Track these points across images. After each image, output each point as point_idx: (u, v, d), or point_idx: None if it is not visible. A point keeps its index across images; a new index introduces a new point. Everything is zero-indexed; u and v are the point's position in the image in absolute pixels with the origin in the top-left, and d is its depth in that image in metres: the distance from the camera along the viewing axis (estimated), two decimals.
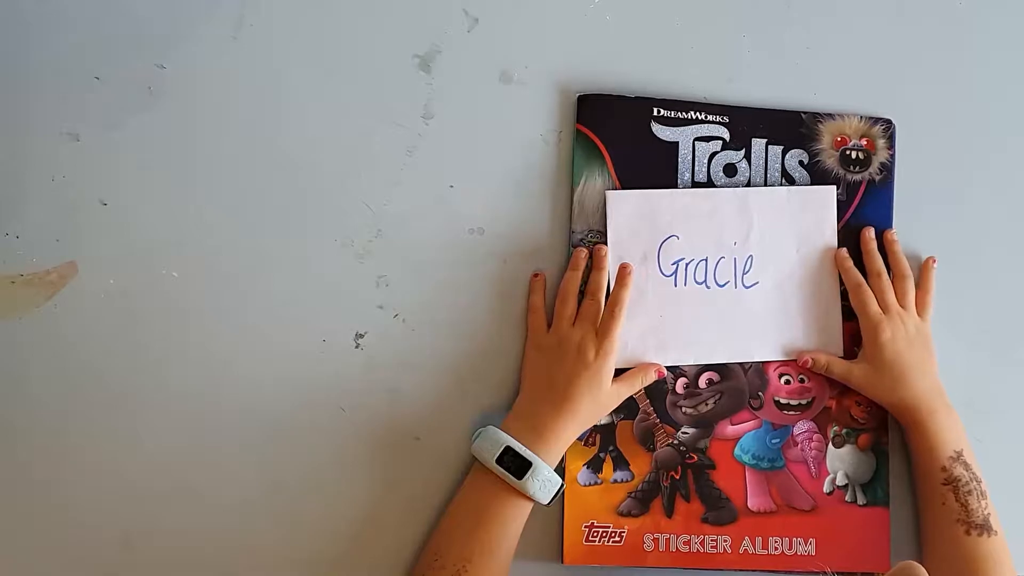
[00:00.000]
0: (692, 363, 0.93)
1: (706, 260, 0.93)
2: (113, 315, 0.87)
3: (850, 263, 0.93)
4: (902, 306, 0.92)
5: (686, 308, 0.93)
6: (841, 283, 0.94)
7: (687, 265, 0.93)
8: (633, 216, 0.92)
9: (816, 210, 0.94)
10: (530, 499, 0.85)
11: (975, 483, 0.89)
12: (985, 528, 0.87)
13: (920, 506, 0.92)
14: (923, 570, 0.66)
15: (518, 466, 0.85)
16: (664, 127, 0.93)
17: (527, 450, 0.85)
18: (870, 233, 0.94)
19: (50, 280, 0.87)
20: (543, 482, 0.85)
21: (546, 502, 0.86)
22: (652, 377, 0.91)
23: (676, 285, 0.93)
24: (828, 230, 0.94)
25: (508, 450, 0.85)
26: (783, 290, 0.94)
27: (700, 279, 0.93)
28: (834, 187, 0.94)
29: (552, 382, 0.88)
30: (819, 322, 0.94)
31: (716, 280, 0.93)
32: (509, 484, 0.85)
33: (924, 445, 0.90)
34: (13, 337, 0.87)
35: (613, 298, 0.90)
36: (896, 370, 0.91)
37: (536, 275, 0.92)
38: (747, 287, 0.93)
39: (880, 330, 0.91)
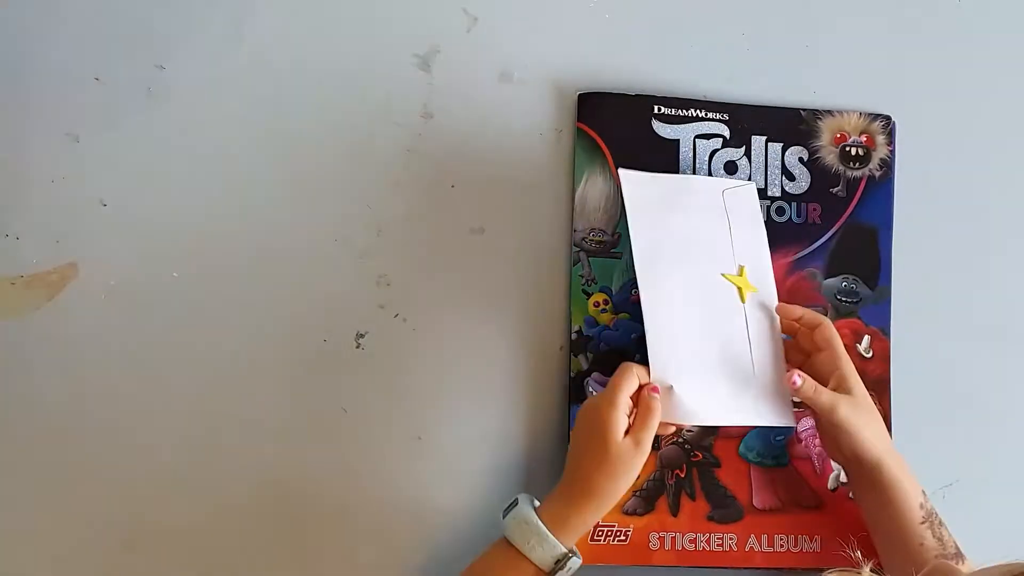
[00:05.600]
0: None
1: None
2: (113, 316, 0.87)
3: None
4: (838, 379, 0.86)
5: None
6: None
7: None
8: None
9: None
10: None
11: (937, 514, 0.85)
12: (959, 555, 0.84)
13: (898, 556, 0.85)
14: None
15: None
16: (665, 125, 0.93)
17: (561, 546, 0.80)
18: (796, 311, 0.89)
19: (50, 281, 0.86)
20: (568, 569, 0.81)
21: None
22: (657, 416, 0.83)
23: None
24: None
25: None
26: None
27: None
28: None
29: (598, 487, 0.82)
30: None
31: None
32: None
33: (899, 494, 0.85)
34: (13, 338, 0.86)
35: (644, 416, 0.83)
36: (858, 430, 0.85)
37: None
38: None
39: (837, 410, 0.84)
